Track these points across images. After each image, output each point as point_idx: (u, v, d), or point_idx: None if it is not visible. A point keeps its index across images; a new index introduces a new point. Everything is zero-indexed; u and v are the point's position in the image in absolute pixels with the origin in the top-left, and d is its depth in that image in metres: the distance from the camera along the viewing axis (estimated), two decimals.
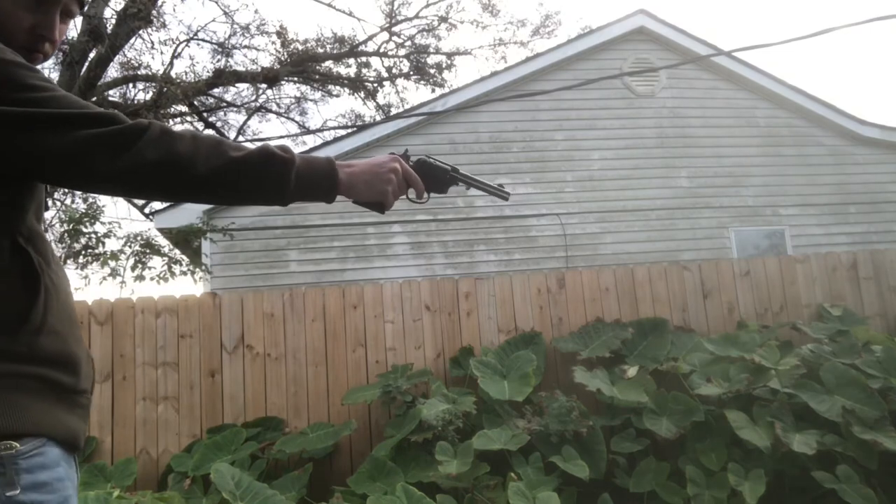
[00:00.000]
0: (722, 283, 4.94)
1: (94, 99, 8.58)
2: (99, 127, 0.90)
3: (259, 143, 1.04)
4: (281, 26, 12.61)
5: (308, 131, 14.24)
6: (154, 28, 9.35)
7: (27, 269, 0.92)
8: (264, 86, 12.68)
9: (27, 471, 0.84)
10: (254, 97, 13.94)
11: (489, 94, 7.14)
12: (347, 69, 13.99)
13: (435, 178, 1.36)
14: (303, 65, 12.56)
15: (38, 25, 1.02)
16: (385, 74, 14.02)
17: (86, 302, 4.20)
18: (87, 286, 6.07)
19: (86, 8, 1.08)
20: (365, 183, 1.15)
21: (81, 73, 8.96)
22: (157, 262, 5.83)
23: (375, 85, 14.08)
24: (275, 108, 14.37)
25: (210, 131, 13.50)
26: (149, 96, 9.81)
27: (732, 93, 7.78)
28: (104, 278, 5.53)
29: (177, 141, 0.94)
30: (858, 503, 3.34)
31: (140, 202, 10.60)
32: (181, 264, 5.96)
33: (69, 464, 0.93)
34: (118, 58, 8.86)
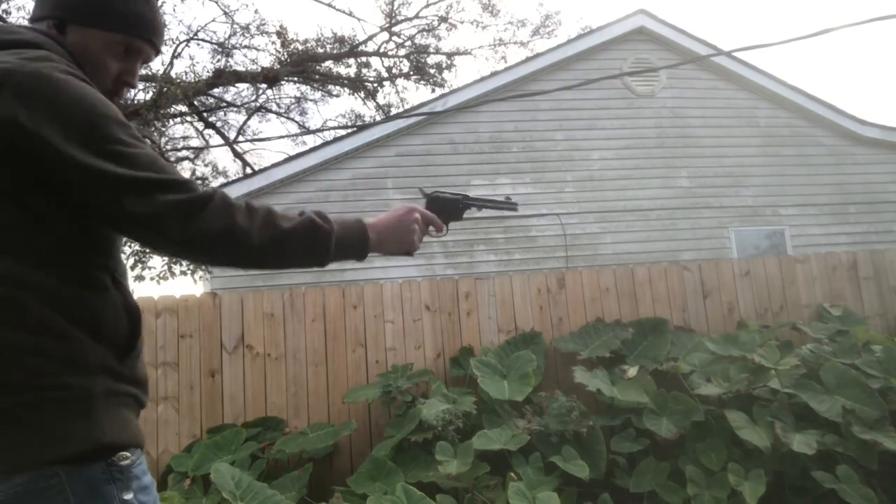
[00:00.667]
0: (722, 283, 4.94)
1: None
2: (176, 193, 0.98)
3: (303, 215, 1.11)
4: (281, 26, 12.63)
5: (308, 131, 14.24)
6: None
7: (127, 302, 1.04)
8: (264, 86, 12.69)
9: (136, 477, 0.98)
10: (254, 97, 13.94)
11: (489, 94, 7.14)
12: (347, 69, 13.99)
13: (449, 209, 1.47)
14: (303, 65, 12.56)
15: (124, 72, 1.16)
16: (385, 74, 14.02)
17: None
18: None
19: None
20: (391, 239, 1.26)
21: None
22: (156, 262, 5.83)
23: (375, 85, 14.08)
24: (275, 108, 14.37)
25: (210, 131, 13.49)
26: (149, 96, 9.81)
27: (732, 93, 7.78)
28: None
29: (236, 212, 1.02)
30: (858, 503, 3.34)
31: None
32: (181, 264, 5.96)
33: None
34: None
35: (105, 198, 0.95)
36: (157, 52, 1.20)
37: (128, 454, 0.97)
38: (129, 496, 0.95)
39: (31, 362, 0.90)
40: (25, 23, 1.13)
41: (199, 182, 1.11)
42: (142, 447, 1.03)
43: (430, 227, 1.38)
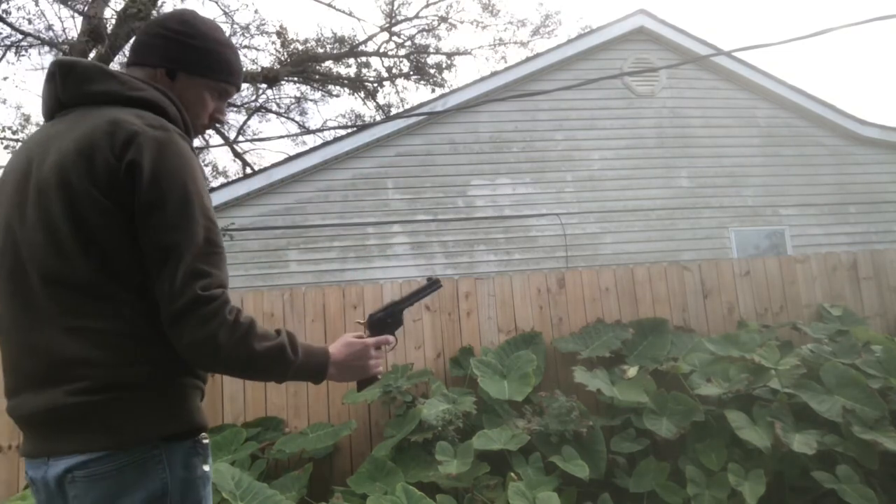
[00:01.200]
0: (722, 283, 4.94)
1: None
2: (204, 279, 1.16)
3: (279, 335, 1.25)
4: (281, 26, 12.64)
5: (308, 131, 14.25)
6: None
7: None
8: (264, 86, 12.69)
9: (208, 455, 1.23)
10: (254, 97, 13.94)
11: (489, 94, 7.14)
12: (347, 69, 14.00)
13: (388, 323, 1.62)
14: (303, 65, 12.57)
15: (216, 111, 1.42)
16: (385, 74, 14.02)
17: None
18: None
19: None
20: (351, 371, 1.41)
21: None
22: None
23: (375, 85, 14.09)
24: (275, 108, 14.37)
25: (210, 131, 13.50)
26: None
27: (732, 93, 7.78)
28: None
29: (221, 326, 1.15)
30: (858, 503, 3.34)
31: None
32: None
33: None
34: (118, 58, 8.85)
35: (162, 277, 1.14)
36: (238, 91, 1.47)
37: (206, 435, 1.23)
38: (207, 468, 1.21)
39: (148, 364, 1.15)
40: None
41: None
42: (207, 430, 1.26)
43: (383, 347, 1.53)
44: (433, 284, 1.71)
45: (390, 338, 1.55)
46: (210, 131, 13.38)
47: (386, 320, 1.62)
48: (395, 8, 13.49)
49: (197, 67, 1.34)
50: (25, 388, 1.16)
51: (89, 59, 9.04)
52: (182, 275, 1.12)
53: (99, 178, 1.12)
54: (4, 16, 9.59)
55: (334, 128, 13.75)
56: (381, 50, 13.74)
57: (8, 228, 1.20)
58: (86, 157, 1.13)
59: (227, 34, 1.56)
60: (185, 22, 1.35)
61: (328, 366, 1.34)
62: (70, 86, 1.25)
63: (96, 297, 1.13)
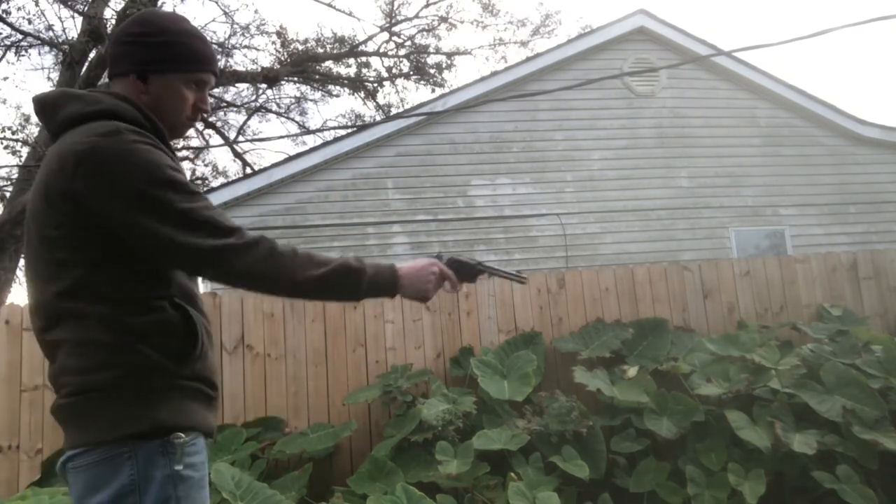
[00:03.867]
0: (722, 283, 4.94)
1: None
2: (226, 238, 1.26)
3: (340, 258, 1.39)
4: (281, 26, 12.65)
5: (308, 131, 14.25)
6: None
7: (186, 320, 1.29)
8: (264, 86, 12.69)
9: (187, 454, 1.24)
10: (254, 97, 13.95)
11: (489, 94, 7.14)
12: (347, 69, 14.00)
13: (464, 272, 1.66)
14: (303, 65, 12.57)
15: (198, 101, 1.42)
16: (385, 74, 14.03)
17: None
18: None
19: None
20: (412, 286, 1.50)
21: (81, 74, 8.97)
22: None
23: (375, 85, 14.09)
24: (275, 108, 14.38)
25: (210, 131, 13.49)
26: None
27: (732, 93, 7.78)
28: None
29: (280, 254, 1.30)
30: (858, 503, 3.34)
31: None
32: None
33: (206, 448, 1.33)
34: None
35: (169, 255, 1.25)
36: (217, 77, 1.47)
37: (181, 435, 1.24)
38: (178, 467, 1.22)
39: (113, 370, 1.21)
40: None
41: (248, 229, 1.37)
42: (200, 431, 1.29)
43: (446, 283, 1.60)
44: (519, 277, 1.72)
45: (455, 280, 1.61)
46: (210, 131, 13.38)
47: (459, 265, 1.65)
48: (395, 8, 13.49)
49: (164, 64, 1.35)
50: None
51: (89, 59, 9.03)
52: (197, 255, 1.24)
53: (56, 208, 1.21)
54: (4, 16, 9.60)
55: (334, 128, 13.76)
56: (381, 50, 13.75)
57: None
58: (44, 194, 1.23)
59: (195, 24, 1.58)
60: (145, 22, 1.37)
61: (398, 275, 1.46)
62: (50, 118, 1.32)
63: (69, 314, 1.23)
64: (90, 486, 1.19)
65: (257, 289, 1.34)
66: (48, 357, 1.28)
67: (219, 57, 12.15)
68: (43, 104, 1.34)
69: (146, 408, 1.23)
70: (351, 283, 1.38)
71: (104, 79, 9.24)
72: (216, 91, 12.24)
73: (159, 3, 9.43)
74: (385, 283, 1.45)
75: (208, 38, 1.51)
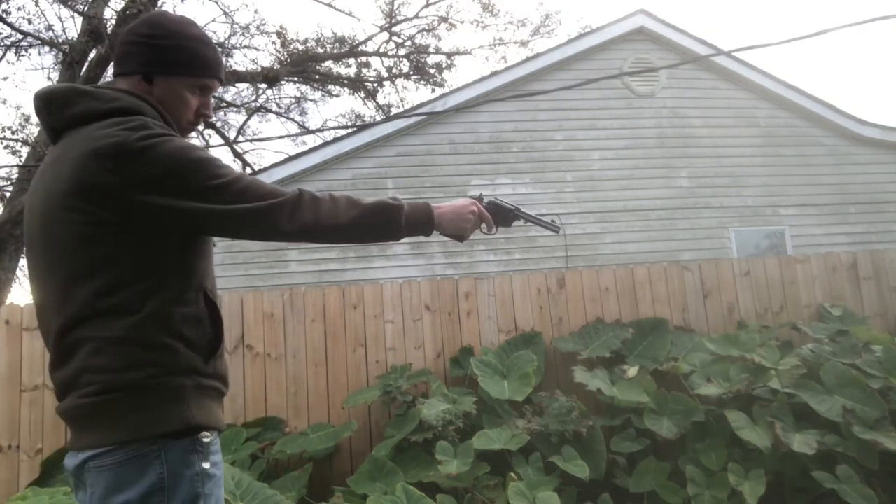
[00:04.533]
0: (722, 283, 4.94)
1: None
2: (270, 199, 1.28)
3: (377, 199, 1.41)
4: (281, 26, 12.66)
5: (308, 131, 14.25)
6: None
7: (214, 314, 1.32)
8: (264, 86, 12.69)
9: (212, 453, 1.28)
10: (254, 97, 13.95)
11: (489, 94, 7.13)
12: (347, 69, 14.00)
13: (501, 215, 1.68)
14: (303, 65, 12.57)
15: (201, 106, 1.44)
16: (385, 74, 14.03)
17: None
18: None
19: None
20: (451, 222, 1.52)
21: (81, 73, 8.97)
22: None
23: (375, 85, 14.09)
24: (275, 108, 14.38)
25: (210, 131, 13.49)
26: None
27: (732, 93, 7.78)
28: None
29: (322, 203, 1.33)
30: (859, 503, 3.34)
31: None
32: None
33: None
34: None
35: (214, 222, 1.26)
36: (222, 83, 1.48)
37: (208, 434, 1.27)
38: (206, 465, 1.26)
39: (147, 369, 1.22)
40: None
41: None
42: (220, 430, 1.33)
43: (483, 224, 1.62)
44: (553, 226, 1.80)
45: (492, 222, 1.63)
46: (210, 131, 13.39)
47: (497, 209, 1.67)
48: (394, 8, 13.49)
49: (171, 67, 1.36)
50: (57, 393, 1.30)
51: (89, 59, 9.03)
52: (250, 219, 1.26)
53: (92, 197, 1.20)
54: (4, 16, 9.60)
55: (334, 128, 13.76)
56: (381, 50, 13.75)
57: (30, 246, 1.32)
58: (78, 191, 1.21)
59: (205, 29, 1.57)
60: (153, 24, 1.37)
61: (434, 212, 1.47)
62: (56, 114, 1.31)
63: (106, 311, 1.22)
64: (115, 486, 1.18)
65: (306, 239, 1.35)
66: (62, 357, 1.25)
67: None
68: (49, 100, 1.32)
69: (176, 407, 1.23)
70: (391, 220, 1.39)
71: (104, 79, 9.24)
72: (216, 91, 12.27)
73: (159, 3, 9.43)
74: (423, 220, 1.46)
75: (215, 44, 1.51)
